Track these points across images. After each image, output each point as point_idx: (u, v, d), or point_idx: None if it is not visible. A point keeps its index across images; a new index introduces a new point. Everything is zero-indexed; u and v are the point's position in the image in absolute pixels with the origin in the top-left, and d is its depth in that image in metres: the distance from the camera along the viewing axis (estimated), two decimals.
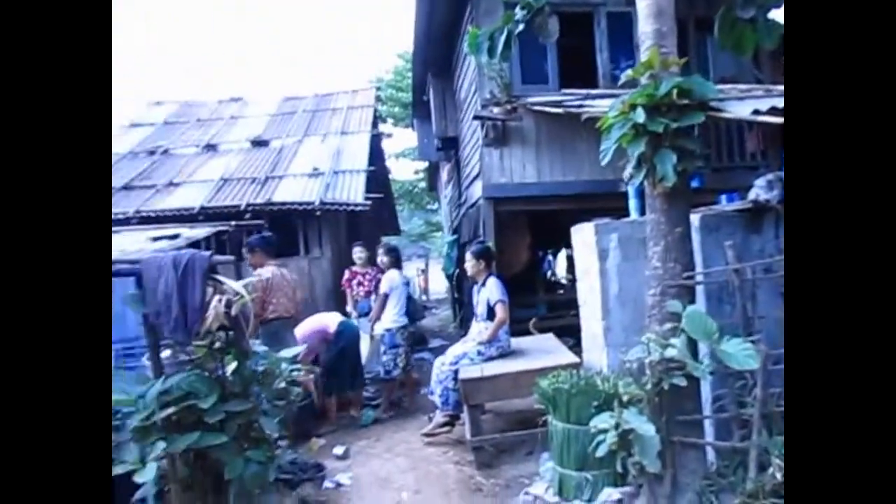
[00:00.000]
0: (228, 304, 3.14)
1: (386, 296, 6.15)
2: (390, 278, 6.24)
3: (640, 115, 2.81)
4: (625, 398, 3.04)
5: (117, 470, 2.90)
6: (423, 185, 19.80)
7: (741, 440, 3.07)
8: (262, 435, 3.46)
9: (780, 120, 3.38)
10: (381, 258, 6.53)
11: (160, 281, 3.06)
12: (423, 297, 20.25)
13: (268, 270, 5.29)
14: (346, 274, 7.21)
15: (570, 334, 5.69)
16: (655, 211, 3.33)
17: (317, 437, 5.57)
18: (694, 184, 4.10)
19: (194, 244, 5.07)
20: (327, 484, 4.46)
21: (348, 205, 8.14)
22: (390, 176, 19.79)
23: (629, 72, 3.03)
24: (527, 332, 6.64)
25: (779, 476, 2.66)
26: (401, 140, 22.91)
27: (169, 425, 3.06)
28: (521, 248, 7.81)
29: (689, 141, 3.14)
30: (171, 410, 2.96)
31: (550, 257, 11.52)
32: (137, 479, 2.84)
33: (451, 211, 11.34)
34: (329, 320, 6.17)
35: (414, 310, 9.53)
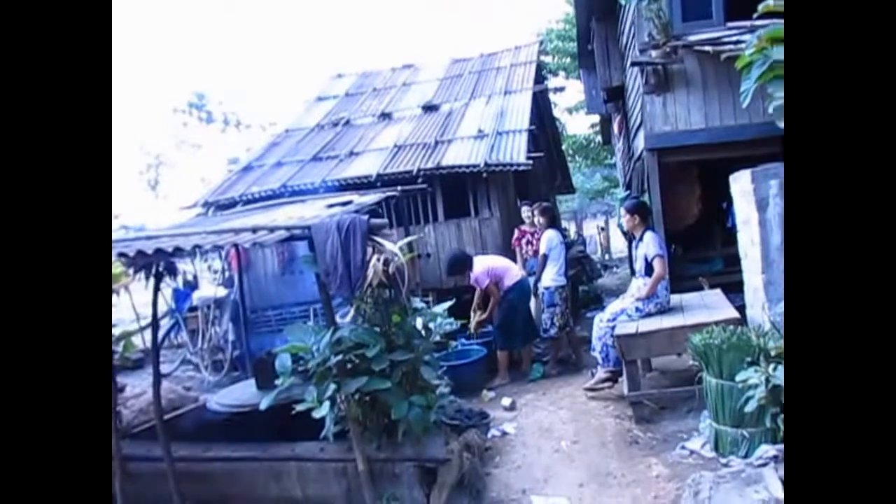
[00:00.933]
0: (386, 263, 3.46)
1: (545, 256, 6.21)
2: (548, 238, 6.27)
3: (778, 52, 2.54)
4: (772, 353, 2.87)
5: (300, 408, 3.45)
6: (599, 139, 19.01)
7: None
8: (424, 382, 3.84)
9: None
10: (537, 218, 6.59)
11: (327, 243, 3.40)
12: (606, 256, 19.72)
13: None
14: (516, 233, 7.31)
15: None
16: None
17: (488, 389, 5.93)
18: None
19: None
20: (493, 432, 4.76)
21: (511, 165, 8.11)
22: (563, 131, 19.31)
23: (770, 2, 2.70)
24: (698, 288, 6.32)
25: None
26: (573, 93, 22.03)
27: (343, 371, 3.53)
28: (691, 201, 7.31)
29: None
30: (340, 358, 3.41)
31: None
32: (315, 414, 3.35)
33: (624, 165, 10.87)
34: (509, 268, 6.36)
35: (590, 269, 9.34)
